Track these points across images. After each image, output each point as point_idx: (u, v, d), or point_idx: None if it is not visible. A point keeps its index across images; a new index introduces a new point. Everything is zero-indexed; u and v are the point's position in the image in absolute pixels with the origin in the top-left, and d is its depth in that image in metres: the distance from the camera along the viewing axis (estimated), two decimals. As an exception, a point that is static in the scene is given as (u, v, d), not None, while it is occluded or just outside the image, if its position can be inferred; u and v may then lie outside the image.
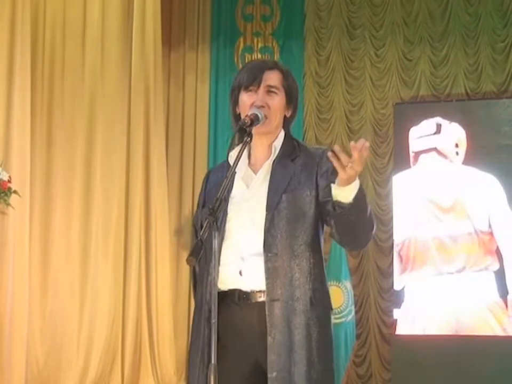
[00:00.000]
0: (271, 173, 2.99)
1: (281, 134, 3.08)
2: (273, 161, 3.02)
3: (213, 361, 2.62)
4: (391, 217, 8.75)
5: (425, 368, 8.21)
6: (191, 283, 3.14)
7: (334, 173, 2.79)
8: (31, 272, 7.63)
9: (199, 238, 2.61)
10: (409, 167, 8.72)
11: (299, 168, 3.00)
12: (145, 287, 8.30)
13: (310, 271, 2.93)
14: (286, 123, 3.11)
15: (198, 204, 3.16)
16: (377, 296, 8.83)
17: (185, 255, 3.08)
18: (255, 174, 3.03)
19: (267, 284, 2.88)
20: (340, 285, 7.52)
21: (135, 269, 8.22)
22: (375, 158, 9.04)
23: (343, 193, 2.76)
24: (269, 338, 2.85)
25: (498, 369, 7.94)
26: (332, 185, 2.79)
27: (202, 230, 2.63)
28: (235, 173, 2.92)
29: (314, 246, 2.98)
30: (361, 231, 2.91)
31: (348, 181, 2.73)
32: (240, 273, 2.91)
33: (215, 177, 3.10)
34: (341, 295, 7.46)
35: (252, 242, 2.92)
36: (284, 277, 2.88)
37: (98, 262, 8.07)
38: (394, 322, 8.56)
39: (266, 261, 2.89)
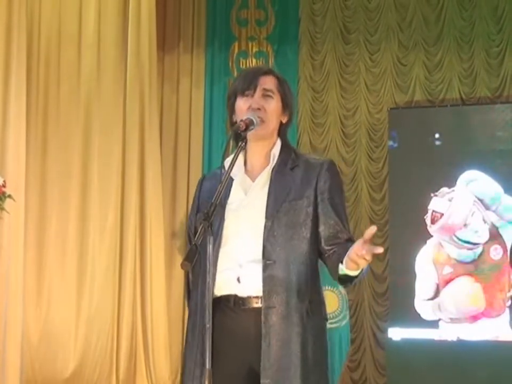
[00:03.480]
0: (270, 181, 3.01)
1: (278, 142, 3.09)
2: (272, 169, 3.03)
3: (207, 366, 2.63)
4: (386, 222, 8.76)
5: (419, 373, 8.21)
6: (185, 289, 3.13)
7: (333, 189, 2.98)
8: (27, 277, 7.61)
9: (193, 243, 2.60)
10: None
11: (298, 178, 3.01)
12: (140, 292, 8.29)
13: (307, 281, 2.95)
14: (282, 130, 3.12)
15: (192, 209, 3.16)
16: (372, 301, 8.83)
17: (179, 259, 3.09)
18: (253, 181, 3.04)
19: (264, 291, 2.89)
20: (334, 290, 7.49)
21: (130, 274, 8.22)
22: (370, 163, 9.05)
23: (352, 272, 2.84)
24: (263, 345, 2.86)
25: (493, 373, 7.95)
26: (341, 266, 2.85)
27: (197, 235, 2.63)
28: (232, 179, 2.95)
29: (312, 256, 2.99)
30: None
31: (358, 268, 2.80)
32: (238, 280, 2.92)
33: (209, 183, 3.11)
34: (336, 300, 7.44)
35: (250, 249, 2.93)
36: (281, 285, 2.90)
37: (94, 267, 8.06)
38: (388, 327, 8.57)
39: (264, 269, 2.90)
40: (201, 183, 3.19)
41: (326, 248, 2.97)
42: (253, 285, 2.91)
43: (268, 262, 2.90)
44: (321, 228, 2.99)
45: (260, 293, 2.90)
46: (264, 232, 2.92)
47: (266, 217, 2.94)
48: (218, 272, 2.91)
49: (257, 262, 2.91)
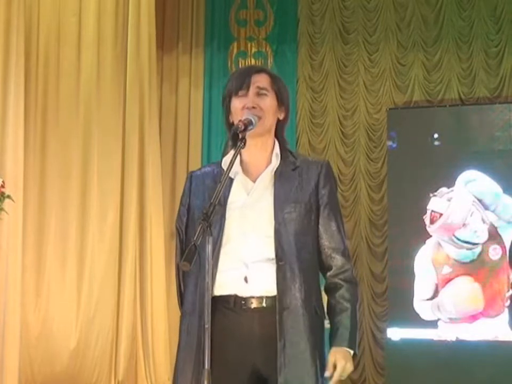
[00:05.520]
0: (275, 183, 3.00)
1: (277, 143, 3.09)
2: (276, 170, 3.03)
3: (206, 366, 2.61)
4: (385, 222, 8.77)
5: (418, 373, 8.21)
6: (178, 293, 3.11)
7: (331, 193, 3.03)
8: (26, 278, 7.62)
9: (192, 243, 2.58)
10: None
11: (302, 179, 3.02)
12: (140, 292, 8.29)
13: (313, 281, 2.98)
14: (279, 127, 3.11)
15: (181, 204, 3.14)
16: (371, 301, 8.84)
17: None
18: (253, 181, 3.02)
19: (278, 292, 2.89)
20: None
21: (130, 274, 8.22)
22: (369, 163, 9.05)
23: None
24: (279, 344, 2.86)
25: (493, 373, 7.95)
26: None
27: (196, 234, 2.61)
28: (231, 178, 2.95)
29: (315, 256, 3.01)
30: None
31: None
32: (246, 279, 2.91)
33: (201, 180, 3.09)
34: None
35: (255, 249, 2.92)
36: (293, 286, 2.90)
37: (94, 267, 8.06)
38: (387, 327, 8.58)
39: (278, 270, 2.90)
40: (190, 178, 3.15)
41: (327, 275, 3.05)
42: (262, 285, 2.91)
43: (280, 263, 2.90)
44: (322, 240, 3.02)
45: (266, 293, 2.90)
46: (275, 234, 2.92)
47: (275, 219, 2.94)
48: (220, 272, 2.90)
49: (264, 262, 2.91)
